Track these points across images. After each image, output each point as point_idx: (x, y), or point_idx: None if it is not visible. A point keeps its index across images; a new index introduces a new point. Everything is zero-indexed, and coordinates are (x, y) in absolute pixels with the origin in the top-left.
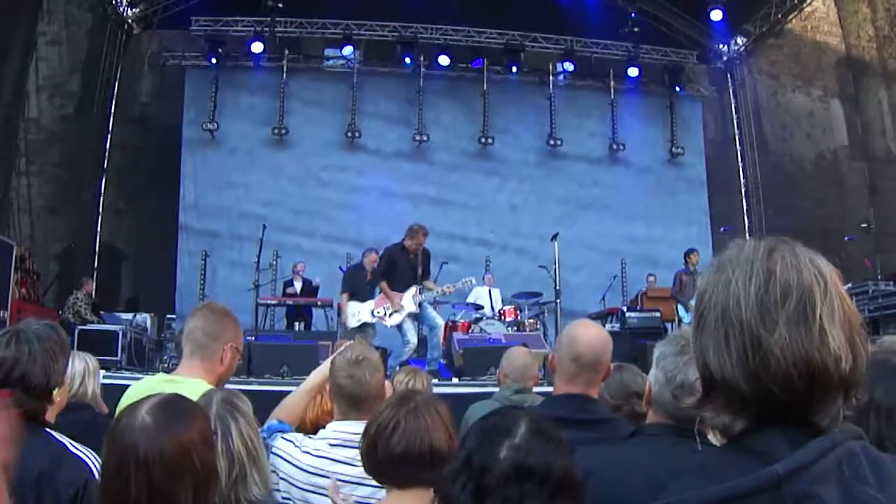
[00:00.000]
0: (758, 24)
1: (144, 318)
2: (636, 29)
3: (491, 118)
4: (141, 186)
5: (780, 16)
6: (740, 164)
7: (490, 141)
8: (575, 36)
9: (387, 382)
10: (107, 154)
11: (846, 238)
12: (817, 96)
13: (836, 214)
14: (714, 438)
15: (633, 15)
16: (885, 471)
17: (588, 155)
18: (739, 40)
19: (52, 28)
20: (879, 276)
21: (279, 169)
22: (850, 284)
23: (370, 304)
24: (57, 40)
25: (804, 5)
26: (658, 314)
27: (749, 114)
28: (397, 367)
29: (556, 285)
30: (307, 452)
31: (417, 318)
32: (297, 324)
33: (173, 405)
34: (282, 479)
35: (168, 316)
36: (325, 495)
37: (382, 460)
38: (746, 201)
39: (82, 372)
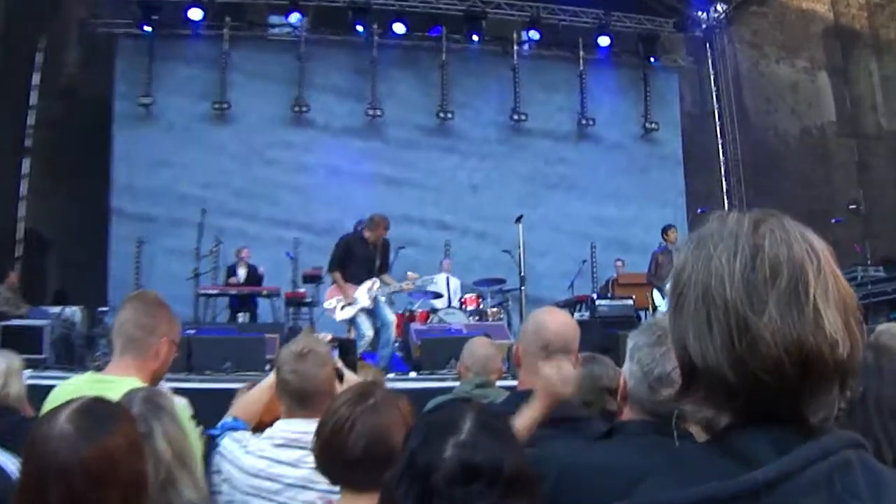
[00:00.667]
0: None
1: (73, 312)
2: None
3: (450, 91)
4: (68, 167)
5: None
6: (719, 141)
7: (449, 116)
8: (541, 2)
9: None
10: (29, 131)
11: (833, 220)
12: (803, 68)
13: (823, 195)
14: (697, 435)
15: None
16: (883, 487)
17: (555, 130)
18: (720, 7)
19: None
20: (869, 262)
21: (220, 147)
22: None
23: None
24: None
25: None
26: (631, 301)
27: (729, 86)
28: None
29: (520, 271)
30: (250, 453)
31: (371, 313)
32: (241, 315)
33: (96, 410)
34: (224, 480)
35: (100, 309)
36: (268, 499)
37: (339, 461)
38: (726, 180)
39: (5, 372)
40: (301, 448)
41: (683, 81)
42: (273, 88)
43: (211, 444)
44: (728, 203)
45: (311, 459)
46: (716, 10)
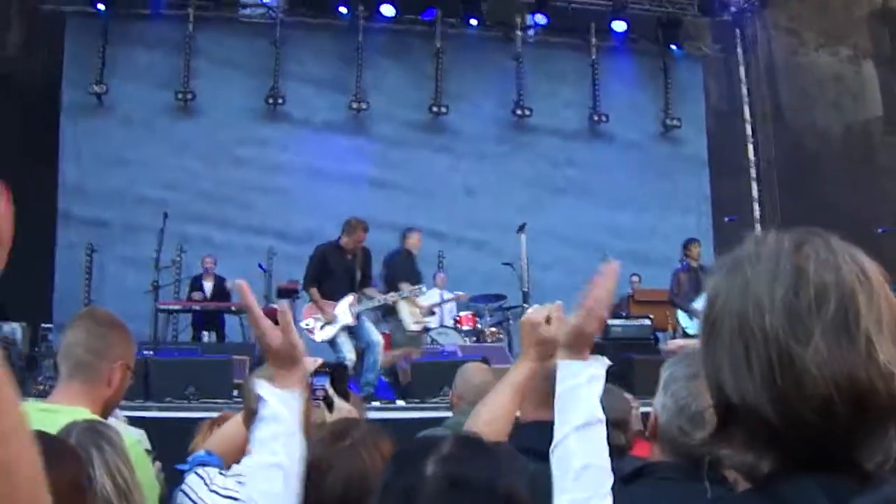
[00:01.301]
0: None
1: (14, 329)
2: None
3: (444, 82)
4: (8, 163)
5: None
6: (749, 140)
7: (443, 110)
8: None
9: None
10: None
11: (880, 230)
12: (846, 56)
13: (868, 201)
14: (736, 483)
15: None
16: None
17: (563, 128)
18: None
19: None
20: None
21: (184, 143)
22: None
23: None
24: None
25: None
26: (648, 321)
27: (761, 78)
28: None
29: (523, 286)
30: (214, 492)
31: (353, 332)
32: (206, 334)
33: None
34: None
35: (44, 325)
36: None
37: None
38: (757, 185)
39: None
40: None
41: (709, 72)
42: (244, 77)
43: (180, 480)
44: (759, 211)
45: None
46: None
